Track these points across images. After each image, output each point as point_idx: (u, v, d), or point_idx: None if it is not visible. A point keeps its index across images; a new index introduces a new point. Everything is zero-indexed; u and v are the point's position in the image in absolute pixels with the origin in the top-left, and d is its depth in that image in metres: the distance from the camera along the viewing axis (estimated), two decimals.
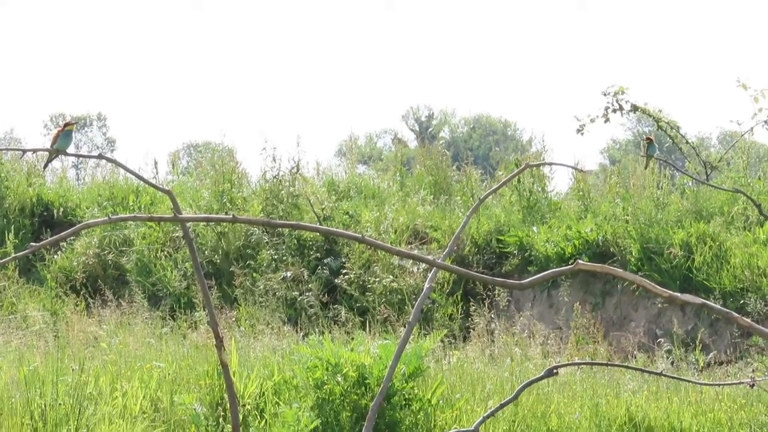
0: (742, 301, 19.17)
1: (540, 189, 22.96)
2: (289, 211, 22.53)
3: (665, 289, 9.67)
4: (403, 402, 14.67)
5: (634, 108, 16.92)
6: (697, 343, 18.63)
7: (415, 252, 19.67)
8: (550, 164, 22.11)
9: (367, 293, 20.91)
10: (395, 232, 22.20)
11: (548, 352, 17.70)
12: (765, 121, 18.58)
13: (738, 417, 15.29)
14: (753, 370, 15.97)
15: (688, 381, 15.58)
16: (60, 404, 14.70)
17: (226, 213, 21.34)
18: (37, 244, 10.44)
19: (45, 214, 23.60)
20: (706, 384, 15.66)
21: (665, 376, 15.90)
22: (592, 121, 16.61)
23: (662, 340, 19.20)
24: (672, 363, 17.66)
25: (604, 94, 17.58)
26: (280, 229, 21.71)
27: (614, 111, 17.60)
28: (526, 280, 11.88)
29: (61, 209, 23.50)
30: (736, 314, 9.13)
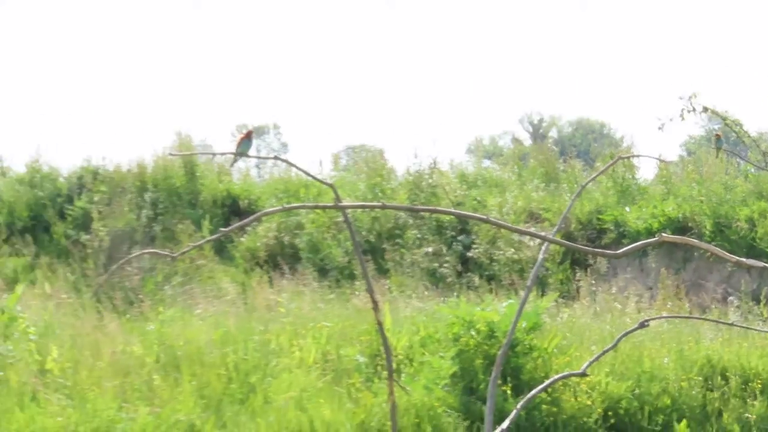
0: None
1: (630, 176, 22.86)
2: (429, 199, 22.51)
3: (734, 256, 9.52)
4: (525, 350, 14.61)
5: (705, 109, 17.20)
6: (761, 298, 18.38)
7: (531, 229, 19.53)
8: (639, 156, 22.00)
9: (493, 263, 20.85)
10: (514, 213, 22.13)
11: (640, 308, 17.60)
12: None
13: None
14: None
15: (755, 329, 15.43)
16: (249, 358, 14.74)
17: (378, 201, 21.32)
18: (226, 229, 10.47)
19: (232, 205, 23.68)
20: (761, 330, 15.47)
21: (736, 326, 15.80)
22: (671, 120, 16.88)
23: (732, 297, 19.08)
24: (741, 315, 17.54)
25: (680, 98, 17.77)
26: (421, 213, 21.69)
27: (689, 111, 17.78)
28: (621, 251, 11.67)
29: (246, 201, 23.57)
30: None
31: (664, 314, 16.07)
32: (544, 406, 14.15)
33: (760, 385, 15.00)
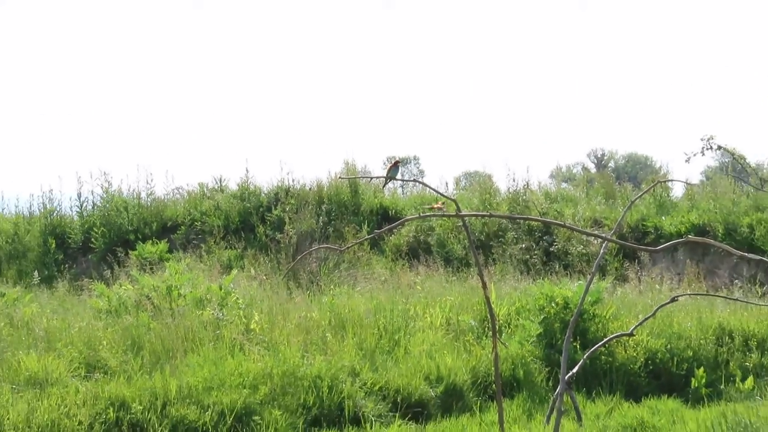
0: None
1: (666, 195, 22.91)
2: (522, 210, 22.46)
3: (738, 251, 9.40)
4: (590, 317, 14.50)
5: (719, 147, 17.68)
6: (757, 281, 18.62)
7: (596, 232, 19.39)
8: (671, 180, 21.95)
9: (568, 256, 20.74)
10: (583, 221, 22.01)
11: (672, 288, 17.70)
12: None
13: None
14: None
15: (753, 303, 15.36)
16: (394, 321, 14.78)
17: (486, 211, 21.31)
18: (379, 230, 10.59)
19: (384, 213, 23.71)
20: (763, 305, 15.46)
21: (739, 301, 15.66)
22: (695, 155, 17.49)
23: (737, 281, 19.12)
24: (743, 293, 17.61)
25: (701, 139, 18.23)
26: (517, 220, 21.67)
27: (707, 149, 18.14)
28: (659, 247, 11.49)
29: (393, 210, 23.62)
30: None
31: (689, 292, 16.04)
32: (603, 357, 14.08)
33: (756, 343, 15.01)
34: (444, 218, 21.74)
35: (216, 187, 24.67)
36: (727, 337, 15.16)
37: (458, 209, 13.12)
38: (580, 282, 15.24)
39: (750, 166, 22.10)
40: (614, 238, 12.69)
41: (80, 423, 11.54)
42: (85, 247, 23.16)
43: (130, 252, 20.31)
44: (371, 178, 21.92)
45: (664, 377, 14.43)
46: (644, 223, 21.68)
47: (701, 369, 14.13)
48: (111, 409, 11.81)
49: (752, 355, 14.84)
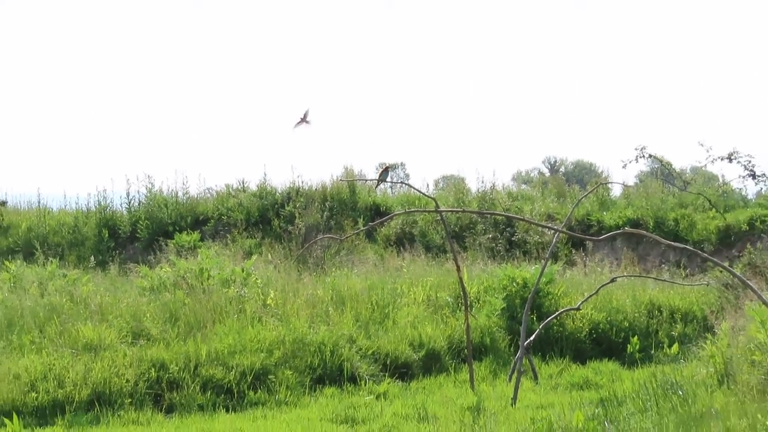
0: (702, 246, 19.07)
1: (607, 194, 22.74)
2: (489, 207, 22.31)
3: (665, 240, 9.42)
4: (544, 294, 14.44)
5: (650, 155, 18.16)
6: (681, 265, 18.45)
7: (549, 224, 19.35)
8: (611, 183, 21.97)
9: (527, 244, 20.62)
10: (539, 215, 21.80)
11: (612, 270, 17.50)
12: (713, 160, 19.40)
13: (702, 298, 15.29)
14: (708, 277, 15.93)
15: (677, 283, 15.40)
16: (384, 297, 14.76)
17: (460, 207, 21.24)
18: (372, 223, 10.70)
19: (376, 210, 23.54)
20: (686, 284, 15.49)
21: (666, 281, 15.66)
22: (630, 162, 17.96)
23: (664, 265, 18.92)
24: (669, 275, 17.45)
25: (635, 149, 18.58)
26: (485, 215, 21.58)
27: (640, 157, 18.61)
28: (601, 237, 11.48)
29: (384, 207, 23.45)
30: (695, 250, 9.00)
31: (625, 274, 15.99)
32: (555, 327, 14.06)
33: (680, 316, 15.08)
34: (425, 213, 21.73)
35: (239, 188, 24.62)
36: (656, 311, 15.19)
37: (437, 206, 13.16)
38: (536, 266, 15.22)
39: (675, 171, 22.69)
40: (564, 229, 12.70)
41: (127, 381, 11.59)
42: (132, 236, 23.12)
43: (169, 241, 20.28)
44: (366, 180, 21.85)
45: (605, 344, 14.43)
46: (589, 217, 21.57)
47: (635, 337, 14.13)
48: (152, 369, 11.84)
49: (677, 325, 14.87)
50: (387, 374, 12.80)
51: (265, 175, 24.67)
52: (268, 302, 13.92)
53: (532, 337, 12.30)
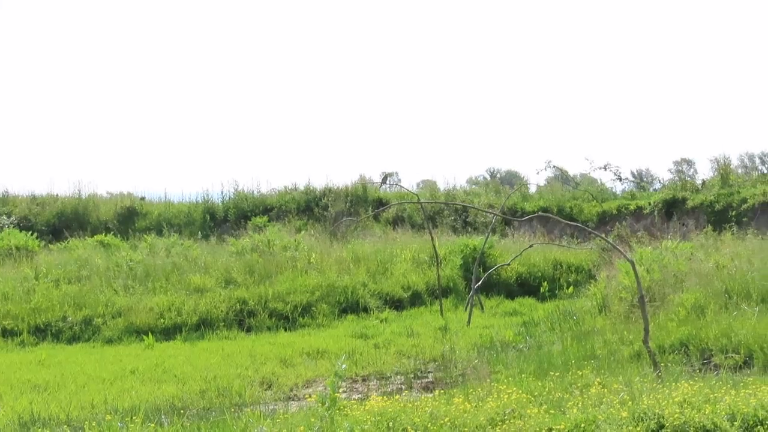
0: (588, 224, 18.60)
1: (527, 191, 22.43)
2: (452, 199, 21.73)
3: (564, 220, 9.31)
4: (487, 255, 14.26)
5: (554, 166, 17.69)
6: (574, 236, 17.93)
7: (490, 210, 19.17)
8: (529, 183, 21.77)
9: (476, 223, 20.20)
10: (484, 205, 21.30)
11: (530, 239, 17.05)
12: (594, 169, 19.13)
13: (588, 257, 14.90)
14: (591, 244, 15.61)
15: (572, 248, 15.07)
16: (386, 256, 14.58)
17: (433, 200, 20.99)
18: (377, 210, 10.57)
19: (380, 202, 23.16)
20: (577, 248, 15.20)
21: (564, 246, 15.27)
22: (543, 169, 17.30)
23: (564, 236, 18.43)
24: (567, 243, 17.02)
25: (545, 162, 18.15)
26: (451, 205, 21.19)
27: (548, 167, 18.16)
28: (523, 218, 11.32)
29: (385, 200, 23.03)
30: (584, 226, 8.85)
31: (539, 242, 15.74)
32: (494, 276, 13.82)
33: (574, 268, 14.84)
34: (411, 204, 21.56)
35: (292, 188, 24.43)
36: (559, 266, 14.97)
37: (419, 199, 13.08)
38: (482, 237, 15.07)
39: (570, 176, 22.15)
40: (499, 213, 12.63)
41: (221, 311, 11.56)
42: (225, 219, 22.92)
43: (248, 222, 20.20)
44: (374, 183, 21.54)
45: (526, 287, 14.29)
46: (516, 206, 21.31)
47: (545, 282, 14.00)
48: (237, 304, 11.81)
49: (572, 275, 14.69)
50: (387, 306, 12.73)
51: (309, 179, 24.52)
52: (311, 260, 13.81)
53: (479, 283, 12.22)
